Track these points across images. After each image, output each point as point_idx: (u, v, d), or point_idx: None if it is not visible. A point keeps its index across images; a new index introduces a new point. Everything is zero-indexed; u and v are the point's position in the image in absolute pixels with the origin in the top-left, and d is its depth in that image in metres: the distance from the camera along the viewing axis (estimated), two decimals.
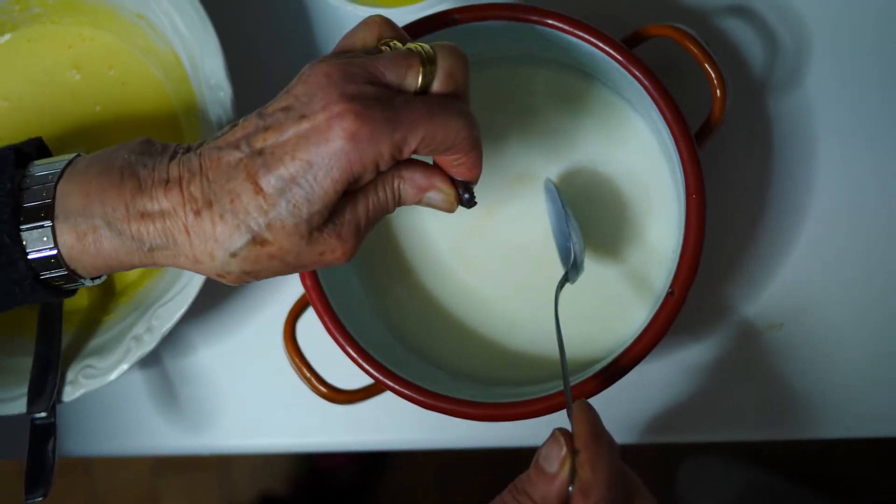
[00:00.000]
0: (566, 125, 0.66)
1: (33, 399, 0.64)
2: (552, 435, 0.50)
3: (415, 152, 0.50)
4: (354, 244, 0.51)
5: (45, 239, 0.50)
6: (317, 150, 0.47)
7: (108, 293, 0.70)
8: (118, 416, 0.73)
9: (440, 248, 0.67)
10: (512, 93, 0.66)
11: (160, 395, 0.72)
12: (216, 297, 0.71)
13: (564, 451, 0.49)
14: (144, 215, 0.49)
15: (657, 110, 0.60)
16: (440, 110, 0.49)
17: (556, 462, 0.49)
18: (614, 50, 0.60)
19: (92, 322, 0.68)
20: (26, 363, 0.65)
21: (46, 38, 0.70)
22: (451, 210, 0.53)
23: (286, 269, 0.51)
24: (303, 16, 0.71)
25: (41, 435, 0.63)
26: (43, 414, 0.64)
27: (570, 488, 0.48)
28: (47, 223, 0.50)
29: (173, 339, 0.72)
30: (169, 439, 0.72)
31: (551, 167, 0.65)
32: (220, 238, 0.49)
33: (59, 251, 0.50)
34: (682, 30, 0.61)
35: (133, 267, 0.52)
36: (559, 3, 0.67)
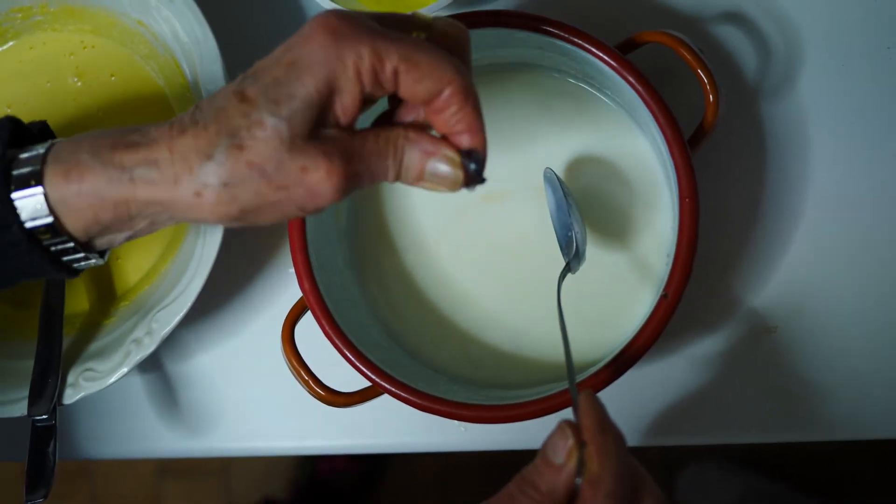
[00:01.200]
0: (561, 129, 0.67)
1: (34, 401, 0.64)
2: (558, 426, 0.49)
3: (398, 84, 0.48)
4: (341, 170, 0.48)
5: (39, 207, 0.49)
6: (299, 50, 0.47)
7: (108, 297, 0.71)
8: (118, 419, 0.73)
9: (438, 253, 0.68)
10: (506, 98, 0.67)
11: (160, 398, 0.73)
12: (215, 301, 0.72)
13: (571, 442, 0.48)
14: (130, 145, 0.48)
15: (651, 115, 0.60)
16: (428, 46, 0.48)
17: (562, 453, 0.48)
18: (608, 56, 0.60)
19: (92, 325, 0.69)
20: (28, 366, 0.66)
21: (48, 45, 0.71)
22: (455, 185, 0.50)
23: (268, 188, 0.48)
24: (300, 21, 0.71)
25: (42, 437, 0.64)
26: (44, 416, 0.64)
27: (578, 480, 0.48)
28: (38, 190, 0.49)
29: (173, 342, 0.72)
30: (168, 442, 0.73)
31: (545, 167, 0.66)
32: (200, 147, 0.47)
33: (44, 190, 0.49)
34: (676, 36, 0.61)
35: (115, 204, 0.49)
36: (553, 9, 0.68)
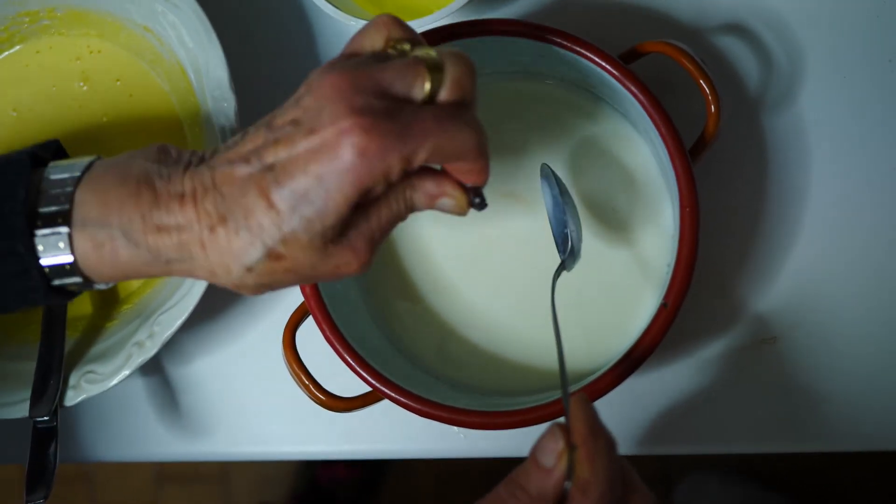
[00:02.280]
0: (563, 138, 0.67)
1: (36, 403, 0.65)
2: (549, 429, 0.49)
3: (424, 163, 0.49)
4: (369, 256, 0.51)
5: (61, 245, 0.49)
6: (327, 166, 0.47)
7: (111, 301, 0.71)
8: (119, 422, 0.73)
9: (439, 260, 0.68)
10: (510, 107, 0.68)
11: (161, 402, 0.73)
12: (217, 306, 0.72)
13: (561, 445, 0.48)
14: (161, 228, 0.49)
15: (652, 125, 0.61)
16: (449, 121, 0.48)
17: (552, 456, 0.48)
18: (610, 65, 0.61)
19: (94, 328, 0.69)
20: (30, 368, 0.66)
21: (55, 49, 0.72)
22: (462, 214, 0.53)
23: (303, 281, 0.51)
24: (305, 28, 0.72)
25: (43, 438, 0.64)
26: (45, 418, 0.64)
27: (567, 484, 0.48)
28: (64, 229, 0.49)
29: (174, 347, 0.72)
30: (169, 446, 0.73)
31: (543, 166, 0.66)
32: (235, 253, 0.49)
33: (75, 259, 0.50)
34: (678, 46, 0.62)
35: (150, 276, 0.52)
36: (558, 19, 0.68)
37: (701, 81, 0.61)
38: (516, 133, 0.67)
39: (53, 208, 0.50)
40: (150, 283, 0.69)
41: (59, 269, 0.50)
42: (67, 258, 0.50)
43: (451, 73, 0.49)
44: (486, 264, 0.67)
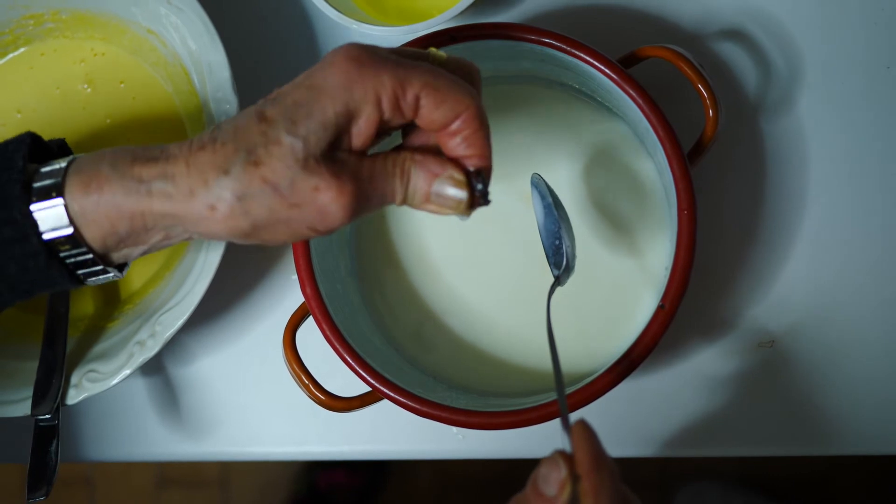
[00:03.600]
0: (562, 142, 0.67)
1: (38, 401, 0.65)
2: (551, 457, 0.48)
3: (417, 110, 0.49)
4: (351, 191, 0.49)
5: (60, 218, 0.50)
6: (320, 75, 0.49)
7: (113, 301, 0.71)
8: (121, 422, 0.74)
9: (437, 262, 0.68)
10: (510, 111, 0.68)
11: (162, 402, 0.73)
12: (218, 306, 0.73)
13: (564, 474, 0.47)
14: (149, 159, 0.50)
15: (651, 128, 0.61)
16: (445, 73, 0.50)
17: (554, 485, 0.47)
18: (609, 69, 0.61)
19: (96, 328, 0.69)
20: (32, 367, 0.67)
21: (59, 52, 0.72)
22: (460, 206, 0.51)
23: (280, 205, 0.49)
24: (306, 31, 0.73)
25: (45, 436, 0.65)
26: (47, 416, 0.65)
27: None
28: (58, 201, 0.50)
29: (175, 347, 0.73)
30: (170, 446, 0.73)
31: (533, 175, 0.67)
32: (216, 161, 0.49)
33: (65, 202, 0.50)
34: (676, 51, 0.62)
35: (127, 214, 0.50)
36: (558, 23, 0.69)
37: (699, 86, 0.62)
38: (517, 137, 0.68)
39: (48, 182, 0.50)
40: (153, 284, 0.70)
41: (63, 242, 0.50)
42: (67, 230, 0.50)
43: (452, 62, 0.52)
44: (487, 266, 0.68)
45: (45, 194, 0.50)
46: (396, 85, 0.48)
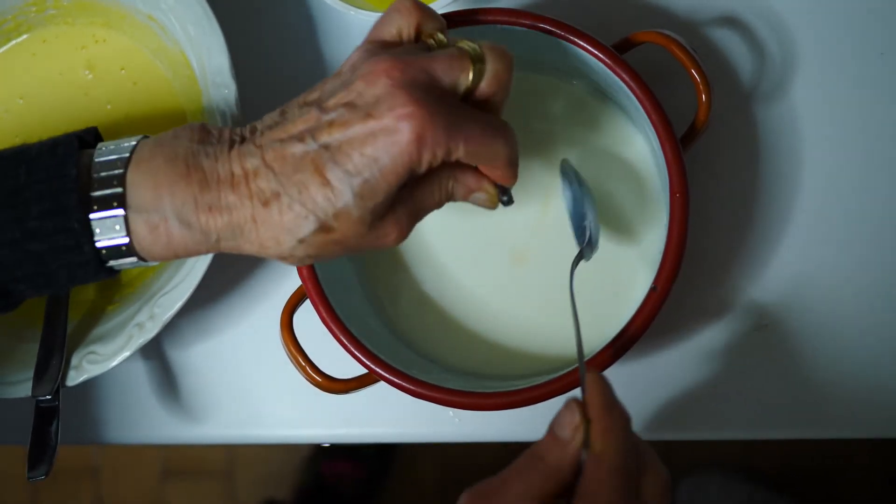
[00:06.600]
0: (558, 128, 0.68)
1: (38, 382, 0.66)
2: (566, 403, 0.51)
3: (456, 159, 0.53)
4: (408, 230, 0.55)
5: (117, 227, 0.52)
6: (384, 148, 0.50)
7: (113, 285, 0.72)
8: (120, 406, 0.74)
9: (436, 245, 0.69)
10: (509, 99, 0.68)
11: (161, 385, 0.74)
12: (216, 290, 0.73)
13: (578, 418, 0.50)
14: (213, 209, 0.52)
15: (644, 113, 0.61)
16: (490, 130, 0.53)
17: (568, 429, 0.50)
18: (603, 53, 0.61)
19: (97, 311, 0.70)
20: (33, 349, 0.67)
21: (61, 38, 0.73)
22: (492, 208, 0.58)
23: (345, 252, 0.54)
24: (305, 16, 0.73)
25: (45, 416, 0.65)
26: (47, 396, 0.66)
27: (584, 455, 0.49)
28: (119, 212, 0.52)
29: (174, 330, 0.74)
30: (170, 429, 0.74)
31: (544, 167, 0.67)
32: (288, 226, 0.52)
33: (131, 240, 0.52)
34: (669, 35, 0.63)
35: (200, 254, 0.55)
36: (552, 10, 0.69)
37: (691, 70, 0.62)
38: (514, 124, 0.68)
39: (107, 191, 0.52)
40: (152, 268, 0.70)
41: (116, 250, 0.53)
42: (123, 239, 0.52)
43: (491, 67, 0.53)
44: (484, 249, 0.68)
45: (106, 205, 0.52)
46: (446, 155, 0.52)
